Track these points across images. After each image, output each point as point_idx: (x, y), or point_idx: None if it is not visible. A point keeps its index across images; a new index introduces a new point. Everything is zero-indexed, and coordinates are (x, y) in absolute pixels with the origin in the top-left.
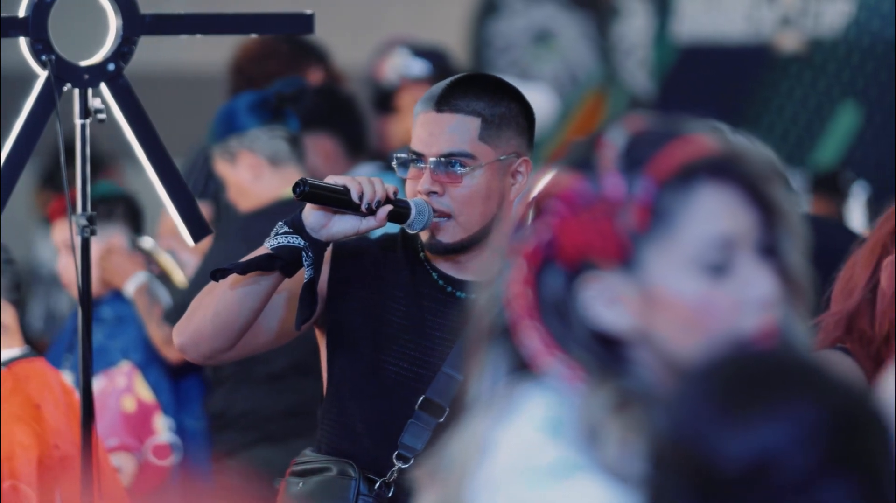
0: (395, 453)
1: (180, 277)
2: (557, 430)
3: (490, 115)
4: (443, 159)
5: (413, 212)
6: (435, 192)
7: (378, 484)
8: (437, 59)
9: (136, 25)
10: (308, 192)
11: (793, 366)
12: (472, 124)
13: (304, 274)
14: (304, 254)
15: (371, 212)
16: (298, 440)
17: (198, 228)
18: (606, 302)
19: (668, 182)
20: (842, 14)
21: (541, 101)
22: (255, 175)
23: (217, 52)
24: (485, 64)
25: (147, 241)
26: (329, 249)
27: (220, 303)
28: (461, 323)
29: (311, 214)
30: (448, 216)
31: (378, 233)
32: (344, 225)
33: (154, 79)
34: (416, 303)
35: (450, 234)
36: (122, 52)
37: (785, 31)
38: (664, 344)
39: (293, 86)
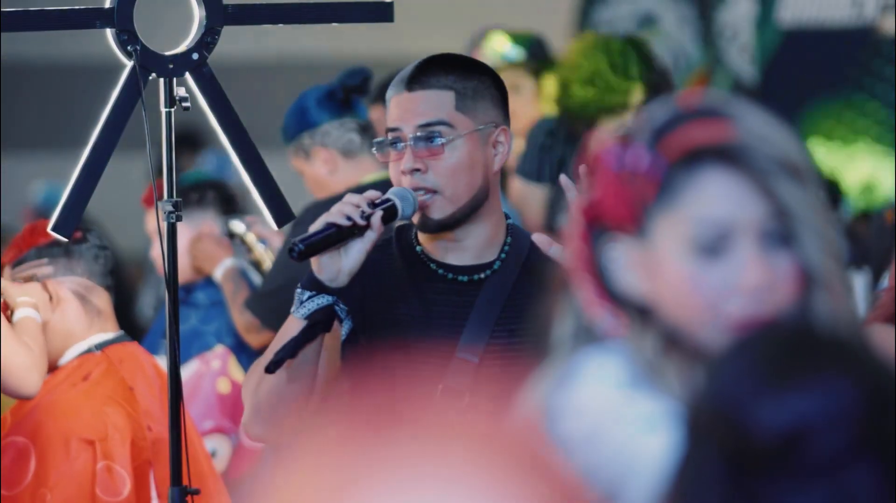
0: None
1: (269, 264)
2: (636, 385)
3: (462, 88)
4: (420, 133)
5: (397, 202)
6: (418, 170)
7: None
8: (533, 46)
9: (218, 15)
10: (305, 251)
11: (835, 342)
12: (445, 97)
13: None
14: (336, 308)
15: (366, 226)
16: None
17: (282, 213)
18: (624, 265)
19: (678, 159)
20: None
21: None
22: (330, 169)
23: (298, 41)
24: None
25: (238, 225)
26: None
27: (281, 390)
28: (468, 306)
29: (322, 269)
30: (434, 192)
31: None
32: (353, 255)
33: (237, 67)
34: (418, 296)
35: (439, 210)
36: (206, 41)
37: (888, 14)
38: (668, 313)
39: (358, 76)
